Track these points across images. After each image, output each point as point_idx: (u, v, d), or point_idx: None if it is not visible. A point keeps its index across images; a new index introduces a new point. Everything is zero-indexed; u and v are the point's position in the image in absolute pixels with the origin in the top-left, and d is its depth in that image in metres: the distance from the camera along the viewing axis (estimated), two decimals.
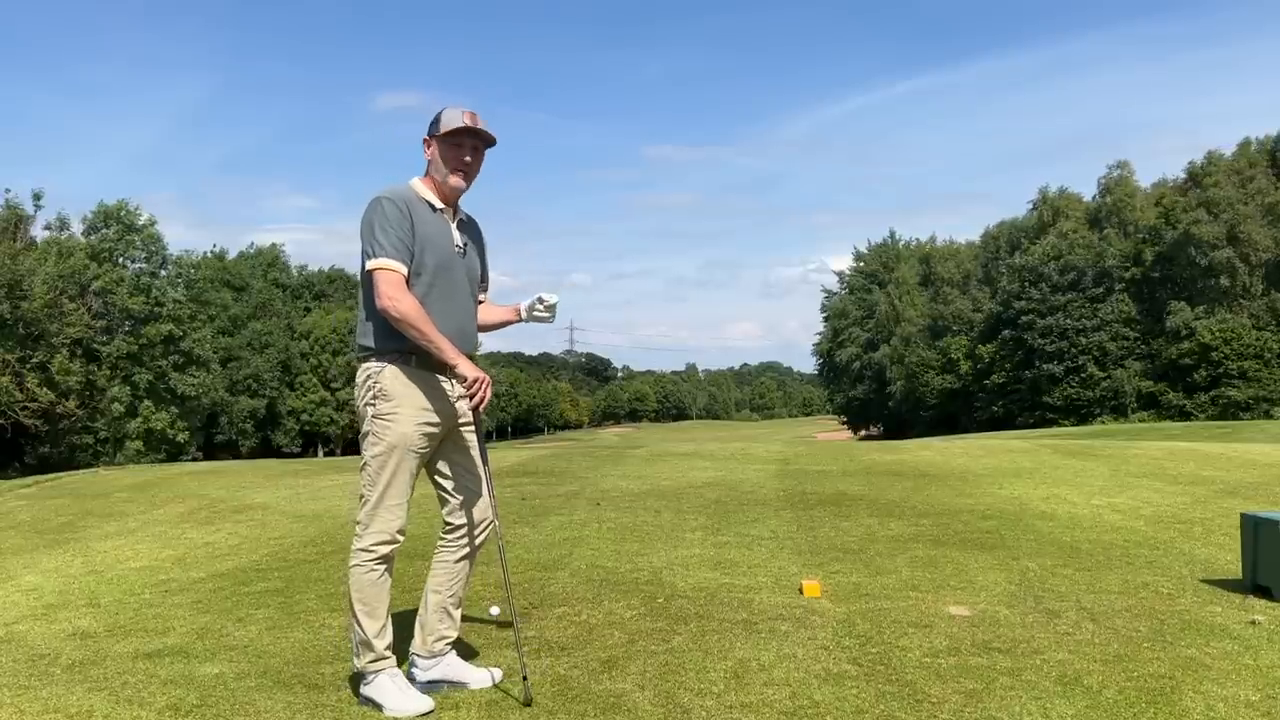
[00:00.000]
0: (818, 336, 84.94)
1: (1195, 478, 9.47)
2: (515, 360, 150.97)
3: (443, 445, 3.39)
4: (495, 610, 4.39)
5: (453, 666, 3.44)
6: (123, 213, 44.72)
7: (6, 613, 4.73)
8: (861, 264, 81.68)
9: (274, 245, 60.96)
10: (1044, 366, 56.41)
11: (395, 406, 3.23)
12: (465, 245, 3.42)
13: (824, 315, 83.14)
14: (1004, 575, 5.07)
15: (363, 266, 3.24)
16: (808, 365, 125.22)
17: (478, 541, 3.45)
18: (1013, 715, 3.09)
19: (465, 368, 3.18)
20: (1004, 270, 61.23)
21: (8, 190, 43.40)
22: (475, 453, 3.44)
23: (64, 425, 39.72)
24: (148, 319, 43.33)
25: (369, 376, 3.27)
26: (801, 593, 4.68)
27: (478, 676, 3.44)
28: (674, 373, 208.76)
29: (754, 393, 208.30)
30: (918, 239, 79.73)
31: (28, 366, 37.84)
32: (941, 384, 63.59)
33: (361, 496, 3.28)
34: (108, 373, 41.70)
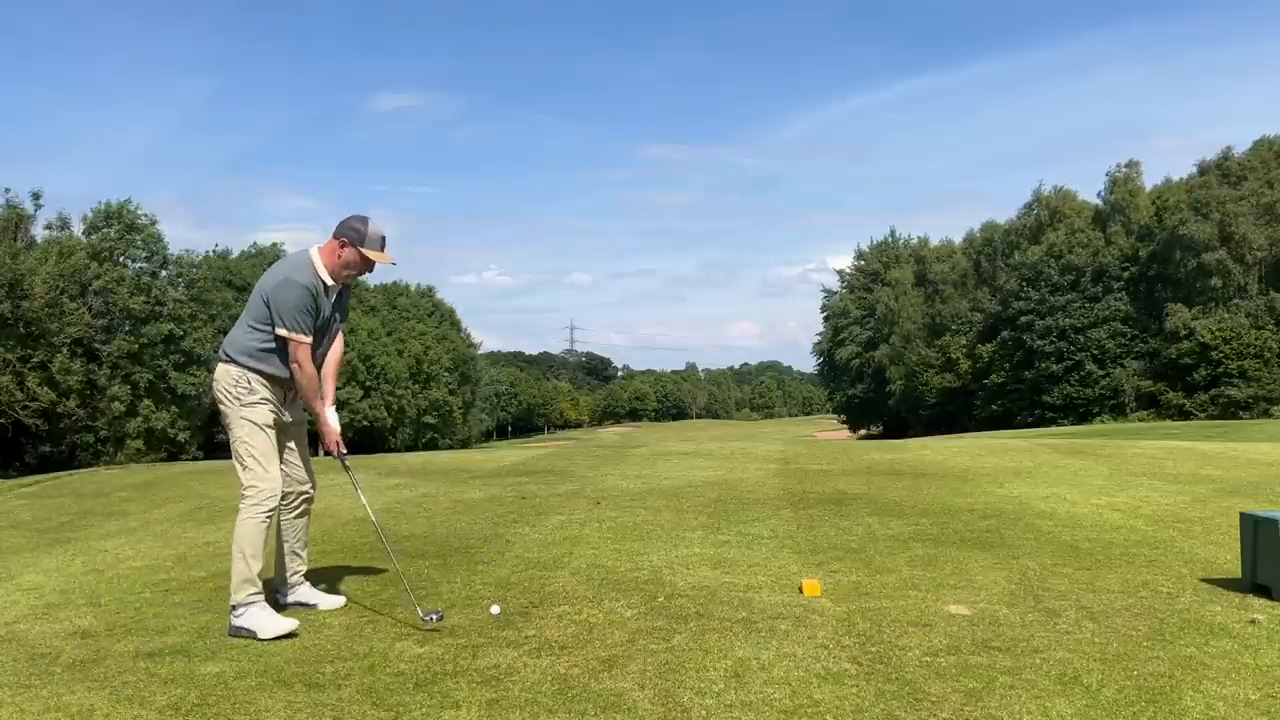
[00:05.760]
0: (818, 336, 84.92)
1: (1195, 477, 9.47)
2: (515, 360, 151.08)
3: (283, 433, 4.53)
4: (496, 610, 4.39)
5: (305, 593, 4.65)
6: (124, 212, 44.73)
7: (7, 612, 4.73)
8: (862, 262, 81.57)
9: (275, 245, 61.02)
10: (1043, 366, 56.42)
11: (259, 400, 4.39)
12: (334, 313, 4.55)
13: (824, 314, 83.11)
14: (1004, 574, 5.07)
15: (272, 324, 4.28)
16: (808, 364, 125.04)
17: (312, 502, 4.76)
18: (1012, 714, 3.09)
19: (323, 417, 4.53)
20: (1001, 268, 61.15)
21: (8, 190, 43.38)
22: (305, 442, 4.72)
23: (65, 424, 39.68)
24: (148, 318, 43.32)
25: (243, 376, 4.38)
26: (801, 592, 4.68)
27: (326, 600, 4.63)
28: (674, 372, 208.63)
29: (754, 392, 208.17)
30: (918, 236, 79.79)
31: (29, 366, 37.81)
32: (941, 383, 63.59)
33: (245, 467, 4.33)
34: (108, 372, 41.69)
